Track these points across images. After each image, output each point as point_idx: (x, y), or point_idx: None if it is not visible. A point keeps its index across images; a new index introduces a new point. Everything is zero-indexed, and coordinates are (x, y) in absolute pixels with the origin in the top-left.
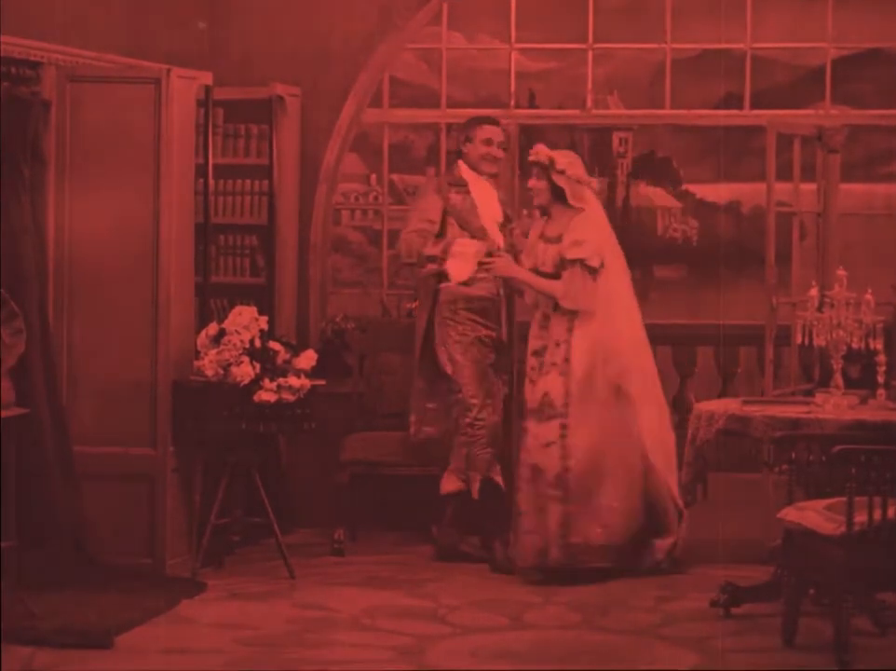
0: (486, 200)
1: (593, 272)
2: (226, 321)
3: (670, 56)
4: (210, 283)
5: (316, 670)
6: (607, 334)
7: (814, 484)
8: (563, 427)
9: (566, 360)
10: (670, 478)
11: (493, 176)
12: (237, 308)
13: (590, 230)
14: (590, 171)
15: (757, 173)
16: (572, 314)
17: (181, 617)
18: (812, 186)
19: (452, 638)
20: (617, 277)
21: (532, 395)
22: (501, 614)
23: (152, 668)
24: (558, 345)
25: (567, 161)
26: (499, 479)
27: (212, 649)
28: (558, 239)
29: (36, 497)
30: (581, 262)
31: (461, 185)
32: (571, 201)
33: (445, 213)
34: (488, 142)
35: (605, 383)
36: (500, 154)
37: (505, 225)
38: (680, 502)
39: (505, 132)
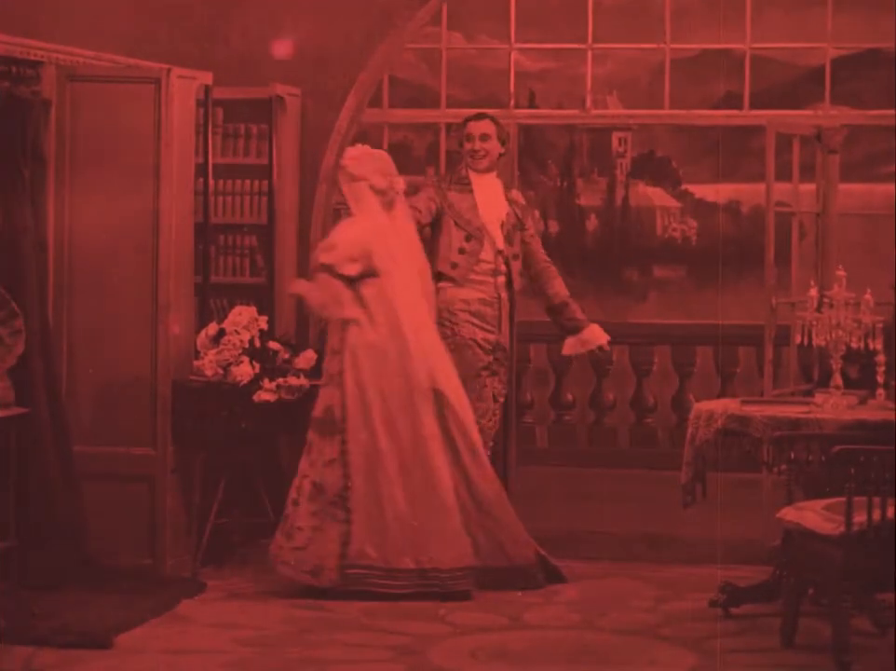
0: (489, 199)
1: (347, 280)
2: (226, 321)
3: (669, 56)
4: (209, 283)
5: (316, 670)
6: (387, 345)
7: (813, 484)
8: (343, 443)
9: (340, 372)
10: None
11: (485, 172)
12: (237, 309)
13: (346, 235)
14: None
15: (757, 173)
16: (345, 322)
17: (181, 617)
18: (812, 187)
19: (452, 638)
20: (404, 285)
21: (318, 405)
22: (501, 614)
23: (152, 668)
24: (334, 353)
25: (351, 156)
26: None
27: (212, 649)
28: None
29: (36, 497)
30: (329, 268)
31: (464, 184)
32: (349, 201)
33: (440, 212)
34: (469, 137)
35: (381, 396)
36: (485, 147)
37: (517, 225)
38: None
39: (497, 125)
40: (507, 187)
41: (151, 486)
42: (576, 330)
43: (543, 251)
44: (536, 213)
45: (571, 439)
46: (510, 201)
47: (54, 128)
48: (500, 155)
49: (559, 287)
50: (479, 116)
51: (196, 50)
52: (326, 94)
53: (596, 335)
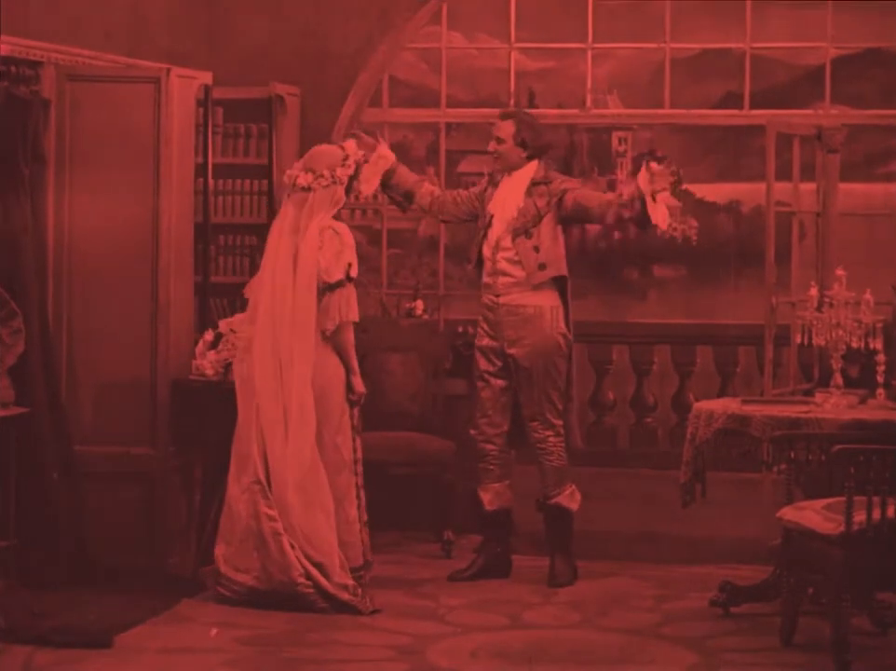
0: (506, 196)
1: None
2: (220, 324)
3: (669, 55)
4: (209, 283)
5: (316, 670)
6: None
7: (813, 483)
8: None
9: None
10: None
11: (502, 171)
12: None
13: None
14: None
15: (757, 173)
16: None
17: (181, 617)
18: (812, 186)
19: (451, 638)
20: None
21: None
22: (501, 614)
23: (152, 668)
24: None
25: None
26: (482, 495)
27: (212, 648)
28: None
29: (36, 496)
30: None
31: (495, 183)
32: None
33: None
34: (492, 136)
35: None
36: (498, 149)
37: (535, 217)
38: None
39: (518, 127)
40: (545, 178)
41: (151, 486)
42: (644, 214)
43: (590, 194)
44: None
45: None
46: (532, 194)
47: (54, 127)
48: (526, 157)
49: (604, 197)
50: (503, 116)
51: (195, 50)
52: (326, 94)
53: (659, 213)
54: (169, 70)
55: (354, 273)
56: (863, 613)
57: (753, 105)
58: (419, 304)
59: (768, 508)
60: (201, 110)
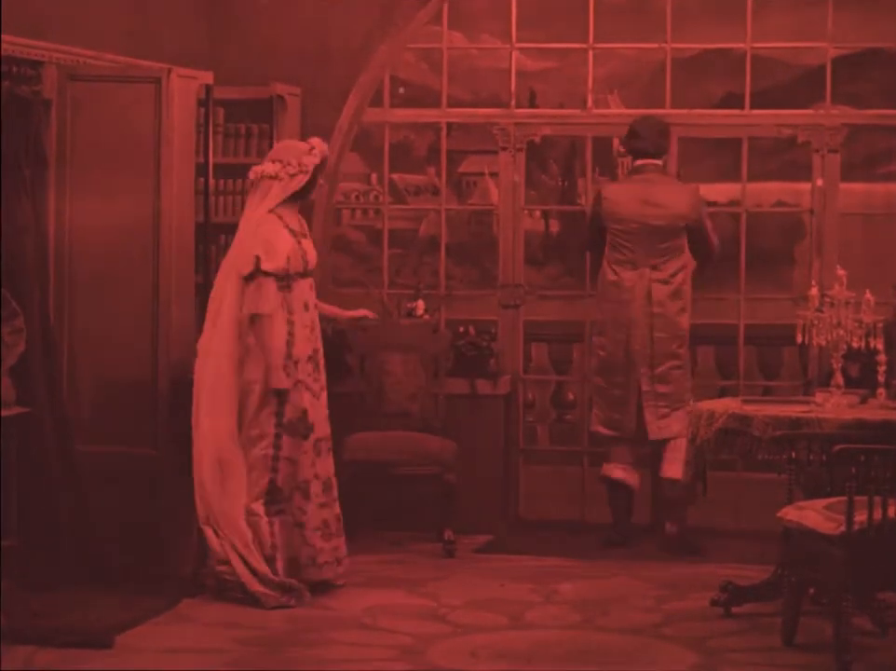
0: None
1: None
2: None
3: (670, 56)
4: (210, 283)
5: (316, 670)
6: None
7: (814, 483)
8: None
9: None
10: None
11: None
12: None
13: None
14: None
15: (758, 173)
16: None
17: (181, 617)
18: (812, 186)
19: (452, 638)
20: None
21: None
22: (501, 614)
23: (152, 668)
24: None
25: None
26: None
27: (212, 649)
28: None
29: (37, 496)
30: None
31: None
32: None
33: None
34: None
35: None
36: None
37: None
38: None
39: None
40: None
41: (151, 486)
42: None
43: None
44: None
45: (572, 438)
46: None
47: (55, 127)
48: None
49: None
50: None
51: (196, 50)
52: (327, 94)
53: None
54: (169, 70)
55: (265, 266)
56: (864, 613)
57: (754, 105)
58: (420, 304)
59: (769, 508)
60: (202, 110)
